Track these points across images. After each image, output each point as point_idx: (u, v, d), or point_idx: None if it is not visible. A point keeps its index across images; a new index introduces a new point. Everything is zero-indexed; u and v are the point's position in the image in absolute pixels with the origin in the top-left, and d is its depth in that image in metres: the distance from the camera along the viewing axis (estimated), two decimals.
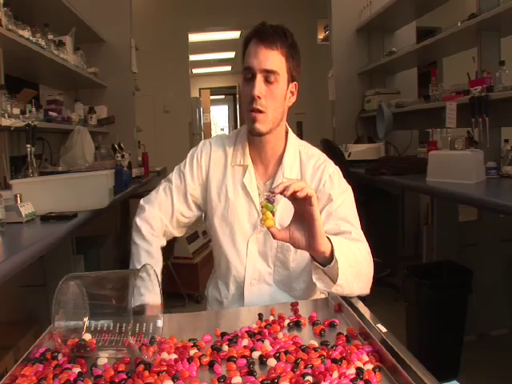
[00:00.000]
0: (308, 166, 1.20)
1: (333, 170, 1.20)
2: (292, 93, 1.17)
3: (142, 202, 1.26)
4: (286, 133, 1.23)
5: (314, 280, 0.96)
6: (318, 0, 4.45)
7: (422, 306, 2.07)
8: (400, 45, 3.43)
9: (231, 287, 1.21)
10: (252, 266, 1.18)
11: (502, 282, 2.35)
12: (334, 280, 0.94)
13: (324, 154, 1.25)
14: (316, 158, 1.22)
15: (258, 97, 1.09)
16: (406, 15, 3.43)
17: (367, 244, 1.11)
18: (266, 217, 0.85)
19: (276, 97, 1.12)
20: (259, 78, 1.09)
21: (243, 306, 1.18)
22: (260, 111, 1.10)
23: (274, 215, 0.86)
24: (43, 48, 2.26)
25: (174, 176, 1.24)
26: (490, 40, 2.38)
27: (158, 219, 1.22)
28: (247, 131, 1.20)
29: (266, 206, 0.85)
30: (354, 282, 0.97)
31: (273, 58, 1.09)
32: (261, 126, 1.12)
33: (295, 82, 1.17)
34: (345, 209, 1.14)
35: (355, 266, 0.97)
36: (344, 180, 1.21)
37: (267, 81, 1.10)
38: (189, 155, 1.26)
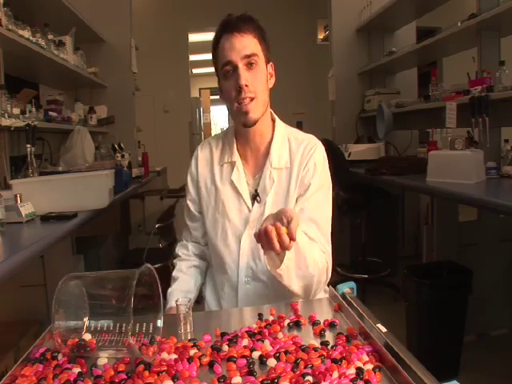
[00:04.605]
0: (298, 154, 1.18)
1: (319, 158, 1.19)
2: (271, 74, 1.19)
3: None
4: (273, 121, 1.23)
5: (264, 253, 0.96)
6: (318, 0, 4.44)
7: (422, 306, 2.07)
8: (400, 45, 3.43)
9: (226, 286, 1.19)
10: (245, 263, 1.16)
11: (501, 282, 2.35)
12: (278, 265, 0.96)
13: (315, 137, 1.23)
14: (306, 142, 1.20)
15: (246, 85, 1.09)
16: (406, 15, 3.43)
17: (330, 257, 1.14)
18: None
19: (260, 79, 1.13)
20: (241, 67, 1.09)
21: (238, 304, 1.17)
22: (251, 98, 1.10)
23: None
24: (43, 48, 2.26)
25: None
26: (490, 40, 2.38)
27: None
28: (235, 127, 1.21)
29: None
30: (295, 280, 1.01)
31: (249, 42, 1.10)
32: (254, 114, 1.12)
33: (271, 63, 1.19)
34: (318, 211, 1.15)
35: (303, 269, 1.00)
36: (327, 171, 1.20)
37: (248, 67, 1.10)
38: None
